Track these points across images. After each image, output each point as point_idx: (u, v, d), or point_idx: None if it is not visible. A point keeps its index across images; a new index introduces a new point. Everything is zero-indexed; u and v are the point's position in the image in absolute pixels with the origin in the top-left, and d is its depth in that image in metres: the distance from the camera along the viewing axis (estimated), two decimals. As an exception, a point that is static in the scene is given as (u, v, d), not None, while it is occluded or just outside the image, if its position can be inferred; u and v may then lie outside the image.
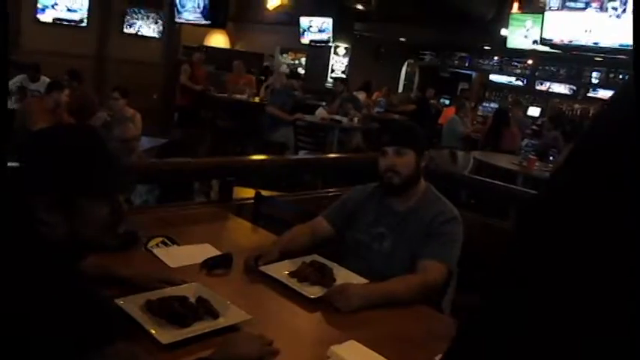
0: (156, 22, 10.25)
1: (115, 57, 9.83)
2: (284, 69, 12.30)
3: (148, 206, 3.44)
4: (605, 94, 12.06)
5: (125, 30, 10.23)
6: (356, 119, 7.55)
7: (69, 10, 9.42)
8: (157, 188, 3.75)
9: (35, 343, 0.96)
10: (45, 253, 1.06)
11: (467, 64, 13.78)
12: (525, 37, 9.26)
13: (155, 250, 2.06)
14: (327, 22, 11.61)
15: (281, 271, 1.96)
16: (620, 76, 11.66)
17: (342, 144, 7.28)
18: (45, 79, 6.11)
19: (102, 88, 8.21)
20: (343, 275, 1.98)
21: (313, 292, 1.83)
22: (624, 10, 5.56)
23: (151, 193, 3.78)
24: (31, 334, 0.95)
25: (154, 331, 1.44)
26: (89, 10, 9.61)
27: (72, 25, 9.45)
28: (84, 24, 9.63)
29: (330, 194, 3.28)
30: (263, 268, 1.96)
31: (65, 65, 6.68)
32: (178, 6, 8.70)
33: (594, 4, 5.87)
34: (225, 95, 8.97)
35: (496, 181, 3.84)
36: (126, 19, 10.15)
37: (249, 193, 3.13)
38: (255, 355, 1.38)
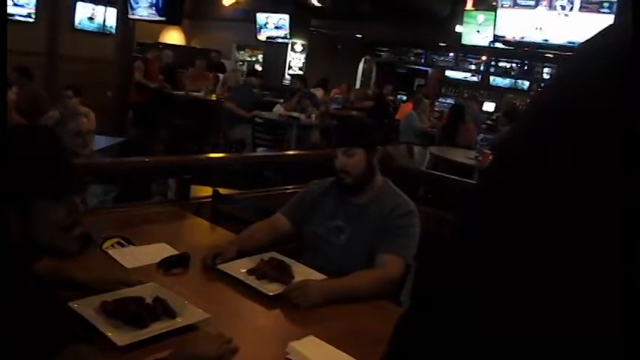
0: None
1: (66, 54, 9.55)
2: (237, 66, 12.22)
3: (104, 207, 3.37)
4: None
5: (76, 26, 9.97)
6: (314, 116, 7.56)
7: (15, 4, 9.10)
8: (115, 189, 3.68)
9: None
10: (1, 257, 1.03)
11: (423, 61, 13.95)
12: (477, 32, 9.41)
13: (110, 251, 2.03)
14: (284, 19, 11.56)
15: (239, 269, 1.95)
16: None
17: (300, 141, 7.28)
18: (-8, 77, 5.90)
19: (53, 86, 7.98)
20: (302, 272, 1.98)
21: (272, 289, 1.83)
22: (572, 9, 5.74)
23: (108, 194, 3.69)
24: None
25: (109, 334, 1.41)
26: (37, 5, 9.30)
27: (19, 21, 9.14)
28: (32, 19, 9.33)
29: (289, 191, 3.28)
30: (221, 267, 1.95)
31: (13, 63, 6.44)
32: (132, 1, 8.52)
33: (544, 3, 6.03)
34: (182, 93, 8.85)
35: (452, 176, 3.91)
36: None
37: (207, 191, 3.11)
38: (214, 354, 1.37)
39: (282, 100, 8.30)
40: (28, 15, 9.28)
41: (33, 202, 1.13)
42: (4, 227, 1.08)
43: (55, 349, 0.98)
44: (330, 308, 1.78)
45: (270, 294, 1.80)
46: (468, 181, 4.34)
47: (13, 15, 8.98)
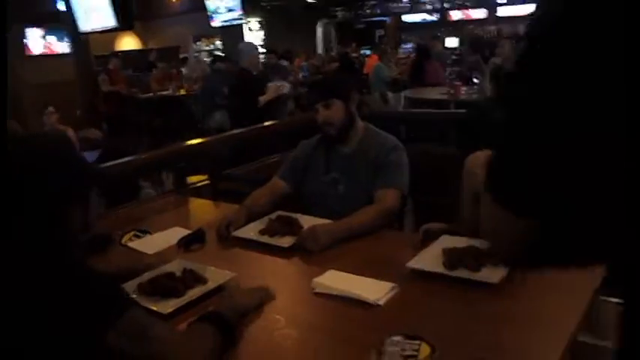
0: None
1: (26, 81, 9.49)
2: (200, 56, 12.21)
3: (109, 211, 3.46)
4: (512, 10, 12.50)
5: (30, 52, 9.90)
6: (286, 89, 7.62)
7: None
8: (100, 200, 3.71)
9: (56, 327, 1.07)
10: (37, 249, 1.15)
11: (379, 11, 13.98)
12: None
13: (130, 244, 2.16)
14: (235, 0, 11.50)
15: (251, 232, 2.10)
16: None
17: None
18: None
19: (18, 115, 7.95)
20: (308, 221, 2.12)
21: (286, 241, 1.98)
22: None
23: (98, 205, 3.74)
24: (50, 319, 1.06)
25: (154, 307, 1.55)
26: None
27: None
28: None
29: (277, 159, 3.41)
30: (235, 234, 2.09)
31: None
32: (79, 16, 8.42)
33: None
34: (151, 95, 8.89)
35: (429, 110, 4.04)
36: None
37: (202, 178, 3.23)
38: (253, 302, 1.53)
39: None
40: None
41: (89, 194, 1.29)
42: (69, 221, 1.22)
43: (116, 315, 1.11)
44: (341, 246, 1.94)
45: (286, 245, 1.95)
46: (447, 111, 4.49)
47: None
